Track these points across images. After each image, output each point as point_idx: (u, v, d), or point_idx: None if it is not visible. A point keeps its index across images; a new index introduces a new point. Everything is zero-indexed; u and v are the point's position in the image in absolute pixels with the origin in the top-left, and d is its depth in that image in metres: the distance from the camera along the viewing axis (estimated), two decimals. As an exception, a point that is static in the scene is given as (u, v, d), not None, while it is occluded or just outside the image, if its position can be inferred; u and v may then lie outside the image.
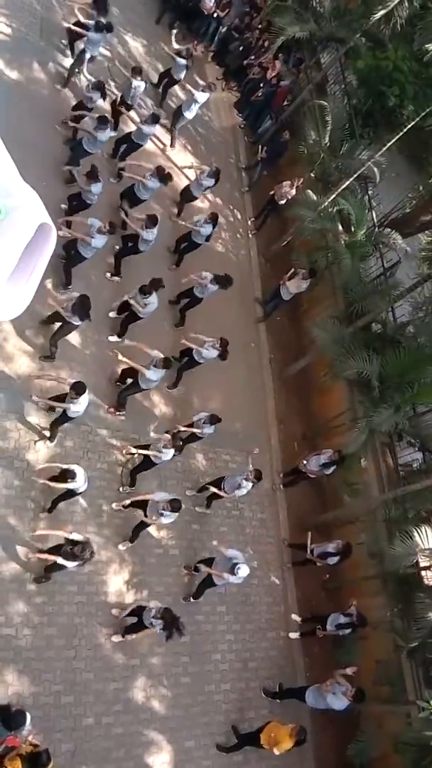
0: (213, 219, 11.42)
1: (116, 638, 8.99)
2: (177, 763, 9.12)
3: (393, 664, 10.36)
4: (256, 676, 10.35)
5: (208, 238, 11.80)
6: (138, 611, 8.64)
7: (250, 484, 9.84)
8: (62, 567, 7.85)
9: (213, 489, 10.19)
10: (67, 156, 11.29)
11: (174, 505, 8.58)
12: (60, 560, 7.72)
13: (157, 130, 12.63)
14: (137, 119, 12.09)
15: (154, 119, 11.41)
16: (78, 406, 8.59)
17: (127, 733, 8.80)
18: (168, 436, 9.30)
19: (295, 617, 11.11)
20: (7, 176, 2.61)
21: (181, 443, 9.26)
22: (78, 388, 8.34)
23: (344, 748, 9.70)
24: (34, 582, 8.55)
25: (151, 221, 10.37)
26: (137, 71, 11.57)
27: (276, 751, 8.68)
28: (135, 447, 9.78)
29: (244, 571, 8.96)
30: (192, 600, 9.84)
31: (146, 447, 9.56)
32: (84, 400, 8.58)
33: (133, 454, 9.85)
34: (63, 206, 10.71)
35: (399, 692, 10.14)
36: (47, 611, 8.59)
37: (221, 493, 10.16)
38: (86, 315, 8.96)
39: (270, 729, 8.90)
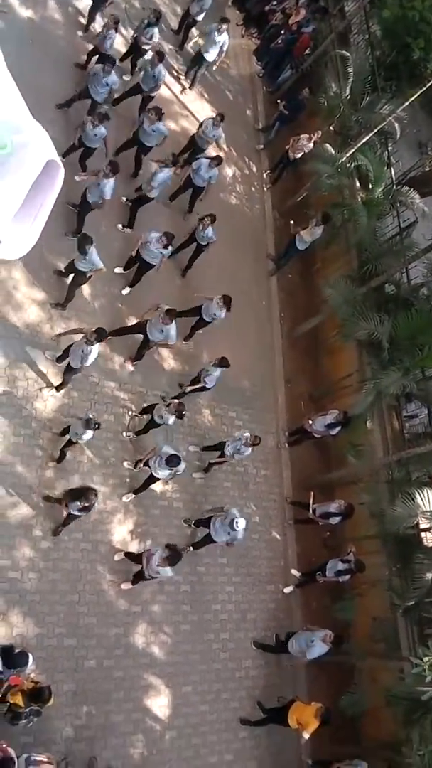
0: (217, 161, 11.06)
1: (125, 585, 9.20)
2: (174, 707, 9.43)
3: (389, 622, 10.57)
4: (255, 627, 10.61)
5: (211, 180, 11.36)
6: (139, 557, 8.81)
7: (249, 450, 9.92)
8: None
9: (216, 459, 10.43)
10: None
11: (172, 461, 8.69)
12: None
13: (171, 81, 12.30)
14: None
15: (160, 57, 10.90)
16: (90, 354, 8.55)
17: (127, 677, 9.09)
18: (176, 401, 9.38)
19: (295, 572, 11.30)
20: (15, 112, 2.54)
21: (184, 412, 9.39)
22: (99, 334, 8.35)
23: (337, 698, 9.96)
24: (53, 535, 8.79)
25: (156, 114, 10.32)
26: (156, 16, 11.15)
27: (305, 735, 8.97)
28: (139, 413, 9.99)
29: (242, 524, 9.10)
30: (191, 550, 10.01)
31: (151, 408, 9.64)
32: (96, 349, 8.57)
33: (136, 416, 10.05)
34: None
35: (393, 648, 10.37)
36: (52, 557, 8.79)
37: (222, 459, 10.32)
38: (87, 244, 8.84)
39: (295, 711, 9.19)
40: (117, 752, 8.72)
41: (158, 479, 9.40)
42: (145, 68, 11.16)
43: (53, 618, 8.60)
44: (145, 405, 10.09)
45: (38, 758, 6.91)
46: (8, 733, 7.42)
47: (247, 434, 10.04)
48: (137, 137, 10.89)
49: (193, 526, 10.17)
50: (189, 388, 10.52)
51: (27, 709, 7.13)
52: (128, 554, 9.28)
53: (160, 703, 9.32)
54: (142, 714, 9.11)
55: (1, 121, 2.40)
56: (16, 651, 7.28)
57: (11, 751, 6.78)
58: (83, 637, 8.80)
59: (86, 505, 7.84)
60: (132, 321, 10.61)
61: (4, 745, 6.84)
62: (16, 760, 6.66)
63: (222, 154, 13.00)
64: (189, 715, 9.57)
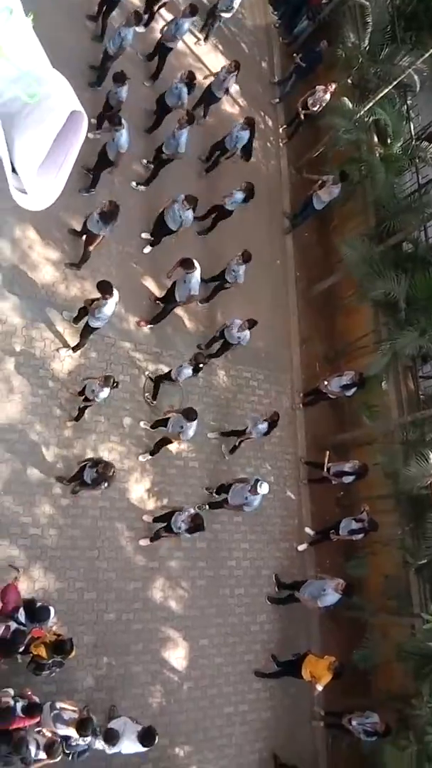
0: (249, 124, 10.83)
1: (144, 542, 9.40)
2: (192, 659, 9.71)
3: (401, 579, 10.73)
4: (269, 583, 10.79)
5: (247, 148, 11.24)
6: (168, 516, 8.95)
7: (266, 424, 9.97)
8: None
9: (240, 438, 10.52)
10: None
11: (189, 416, 8.73)
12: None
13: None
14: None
15: (193, 11, 10.57)
16: (107, 309, 8.51)
17: (145, 629, 9.34)
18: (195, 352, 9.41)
19: (308, 530, 11.44)
20: (38, 63, 2.50)
21: (201, 366, 9.40)
22: (104, 287, 8.26)
23: (349, 652, 10.18)
24: (71, 494, 8.94)
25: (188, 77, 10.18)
26: None
27: (318, 687, 9.22)
28: (156, 377, 10.05)
29: (264, 488, 9.17)
30: (207, 508, 10.13)
31: (168, 374, 9.69)
32: (112, 303, 8.50)
33: (151, 378, 10.11)
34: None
35: (405, 605, 10.55)
36: (72, 513, 8.96)
37: (248, 437, 10.35)
38: (112, 220, 8.77)
39: (308, 665, 9.38)
40: (136, 701, 9.01)
41: (172, 441, 9.53)
42: (176, 22, 10.86)
43: (73, 573, 8.82)
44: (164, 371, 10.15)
45: (62, 705, 7.18)
46: (32, 682, 7.69)
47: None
48: (163, 95, 10.74)
49: (214, 495, 10.23)
50: (216, 348, 10.62)
51: (50, 661, 7.34)
52: (156, 518, 9.44)
53: (177, 655, 9.58)
54: (160, 665, 9.38)
55: (26, 71, 2.36)
56: (39, 605, 7.47)
57: (36, 699, 7.05)
58: (103, 591, 9.02)
59: (101, 472, 7.87)
60: (147, 280, 10.59)
61: (29, 693, 7.12)
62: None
63: (236, 108, 12.75)
64: (205, 666, 9.84)
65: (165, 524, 8.97)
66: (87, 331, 9.05)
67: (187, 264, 9.30)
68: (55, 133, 2.43)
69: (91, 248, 9.39)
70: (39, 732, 6.89)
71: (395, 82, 11.64)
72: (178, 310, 10.68)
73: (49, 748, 6.70)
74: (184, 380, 9.74)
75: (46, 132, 2.39)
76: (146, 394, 10.11)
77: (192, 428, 8.96)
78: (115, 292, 8.36)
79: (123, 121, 9.22)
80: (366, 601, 10.74)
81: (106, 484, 8.09)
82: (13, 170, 2.46)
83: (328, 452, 10.82)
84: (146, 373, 10.23)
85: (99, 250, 9.77)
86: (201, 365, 9.39)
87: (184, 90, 10.31)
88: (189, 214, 9.75)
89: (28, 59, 2.43)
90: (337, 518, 10.74)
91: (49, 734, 6.90)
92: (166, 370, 10.28)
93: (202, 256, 10.89)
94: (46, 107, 2.38)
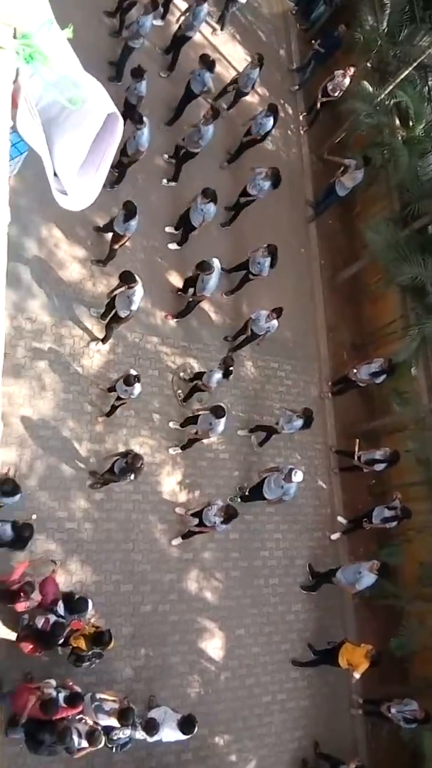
0: (273, 110, 10.81)
1: (176, 542, 9.49)
2: (228, 649, 9.78)
3: (437, 566, 10.67)
4: (303, 572, 10.81)
5: (267, 134, 11.25)
6: (199, 512, 9.00)
7: (301, 421, 9.92)
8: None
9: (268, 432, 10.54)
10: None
11: (218, 413, 8.76)
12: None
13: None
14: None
15: None
16: (136, 297, 8.55)
17: (181, 620, 9.43)
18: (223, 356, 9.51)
19: (341, 519, 11.42)
20: (75, 69, 2.54)
21: (231, 369, 9.43)
22: (126, 278, 8.29)
23: (386, 640, 10.16)
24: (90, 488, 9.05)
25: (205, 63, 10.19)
26: None
27: (356, 675, 9.26)
28: (187, 380, 10.09)
29: (299, 476, 9.17)
30: (239, 501, 10.16)
31: (200, 376, 9.72)
32: (140, 290, 8.52)
33: (186, 379, 10.16)
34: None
35: (442, 591, 10.49)
36: (106, 507, 9.08)
37: (278, 430, 10.31)
38: (134, 218, 8.86)
39: (345, 653, 9.42)
40: (174, 692, 9.11)
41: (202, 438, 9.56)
42: (193, 10, 10.83)
43: (109, 566, 8.94)
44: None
45: (102, 696, 7.32)
46: (73, 673, 7.84)
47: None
48: (189, 84, 10.79)
49: (247, 493, 10.17)
50: (241, 340, 10.65)
51: (89, 652, 7.47)
52: (193, 513, 9.45)
53: (214, 646, 9.66)
54: (197, 656, 9.47)
55: (62, 75, 2.40)
56: (77, 597, 7.61)
57: (77, 688, 7.19)
58: (139, 583, 9.14)
59: (130, 462, 7.94)
60: (173, 275, 10.63)
61: (70, 683, 7.26)
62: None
63: (256, 98, 12.69)
64: (242, 656, 9.90)
65: (199, 519, 9.01)
66: (115, 322, 9.13)
67: (203, 267, 9.27)
68: (93, 135, 2.47)
69: (116, 247, 9.48)
70: (81, 721, 7.03)
71: (415, 63, 11.52)
72: (204, 304, 10.69)
73: (91, 736, 6.83)
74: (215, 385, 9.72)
75: (84, 135, 2.43)
76: (178, 391, 10.16)
77: (221, 425, 9.00)
78: (138, 278, 8.41)
79: (144, 118, 9.24)
80: (402, 588, 10.71)
81: (132, 476, 8.18)
82: (54, 173, 2.50)
83: (357, 440, 10.77)
84: (180, 373, 10.28)
85: (124, 248, 9.84)
86: (231, 368, 9.42)
87: (207, 74, 10.32)
88: (210, 207, 9.73)
89: (66, 65, 2.47)
90: (369, 506, 10.70)
91: (90, 722, 7.03)
92: (193, 362, 10.33)
93: (225, 246, 10.96)
94: (83, 111, 2.42)
